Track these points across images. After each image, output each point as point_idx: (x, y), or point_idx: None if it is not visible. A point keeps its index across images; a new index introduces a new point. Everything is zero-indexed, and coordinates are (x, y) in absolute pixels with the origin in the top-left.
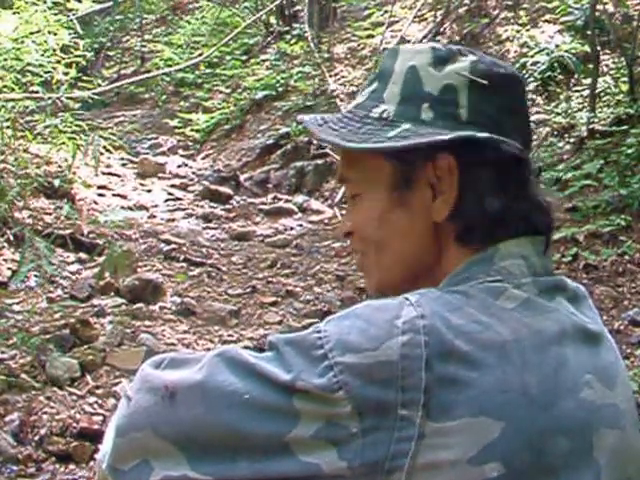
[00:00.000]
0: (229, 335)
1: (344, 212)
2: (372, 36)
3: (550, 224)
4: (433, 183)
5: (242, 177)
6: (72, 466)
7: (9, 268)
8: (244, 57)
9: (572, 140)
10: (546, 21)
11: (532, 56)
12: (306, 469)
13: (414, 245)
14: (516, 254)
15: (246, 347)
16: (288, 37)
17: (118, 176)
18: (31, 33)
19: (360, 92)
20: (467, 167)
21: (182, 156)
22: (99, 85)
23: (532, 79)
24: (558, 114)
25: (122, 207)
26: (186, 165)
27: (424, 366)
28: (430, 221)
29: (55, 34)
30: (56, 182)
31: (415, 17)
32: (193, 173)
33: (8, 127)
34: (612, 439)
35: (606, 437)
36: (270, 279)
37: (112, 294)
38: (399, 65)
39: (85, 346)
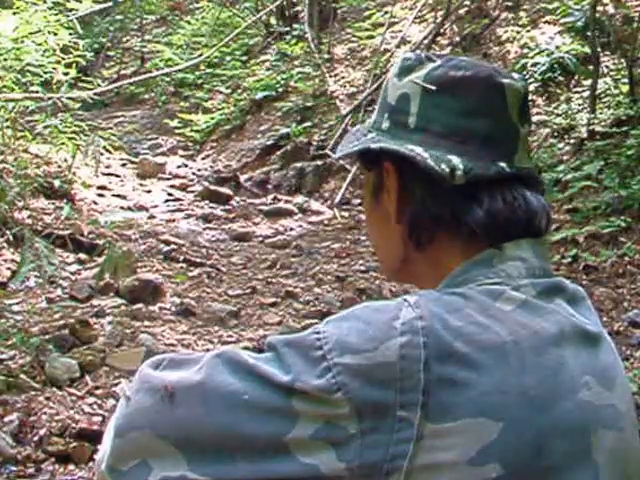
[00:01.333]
0: (228, 336)
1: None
2: (372, 37)
3: (533, 228)
4: (389, 188)
5: (242, 178)
6: (71, 466)
7: (8, 268)
8: (244, 58)
9: (572, 141)
10: (546, 22)
11: (532, 57)
12: (305, 470)
13: (389, 244)
14: (515, 256)
15: (245, 348)
16: (288, 38)
17: (118, 176)
18: (31, 33)
19: None
20: (403, 174)
21: (182, 156)
22: (99, 85)
23: (532, 80)
24: (558, 115)
25: (122, 207)
26: (186, 166)
27: (423, 367)
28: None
29: (55, 34)
30: (56, 182)
31: (415, 18)
32: (193, 174)
33: (8, 127)
34: (611, 440)
35: (605, 438)
36: (270, 280)
37: (112, 295)
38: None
39: (84, 346)
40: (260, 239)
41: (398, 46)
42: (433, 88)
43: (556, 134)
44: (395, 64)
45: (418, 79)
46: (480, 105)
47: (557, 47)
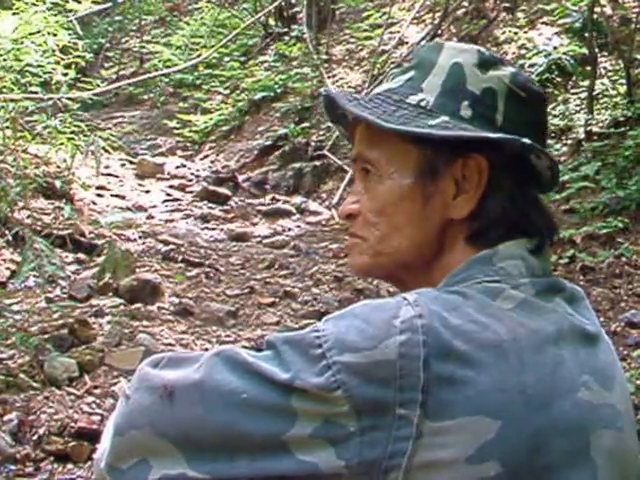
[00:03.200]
0: (227, 336)
1: (349, 194)
2: (370, 38)
3: (551, 226)
4: (458, 180)
5: (240, 178)
6: (70, 466)
7: (8, 268)
8: (243, 58)
9: (570, 142)
10: (544, 23)
11: (530, 58)
12: (304, 468)
13: (422, 235)
14: (515, 255)
15: (244, 347)
16: (287, 39)
17: (117, 177)
18: (31, 34)
19: (389, 78)
20: (495, 170)
21: (181, 157)
22: (98, 86)
23: None
24: (556, 116)
25: (121, 208)
26: (184, 166)
27: (422, 365)
28: (445, 216)
29: (54, 35)
30: (57, 183)
31: (413, 19)
32: (191, 174)
33: (8, 127)
34: (609, 439)
35: (603, 437)
36: (268, 280)
37: (110, 294)
38: (443, 59)
39: (83, 346)
40: (258, 239)
41: (396, 47)
42: (523, 94)
43: (553, 135)
44: (464, 51)
45: (505, 79)
46: (543, 122)
47: (555, 48)
